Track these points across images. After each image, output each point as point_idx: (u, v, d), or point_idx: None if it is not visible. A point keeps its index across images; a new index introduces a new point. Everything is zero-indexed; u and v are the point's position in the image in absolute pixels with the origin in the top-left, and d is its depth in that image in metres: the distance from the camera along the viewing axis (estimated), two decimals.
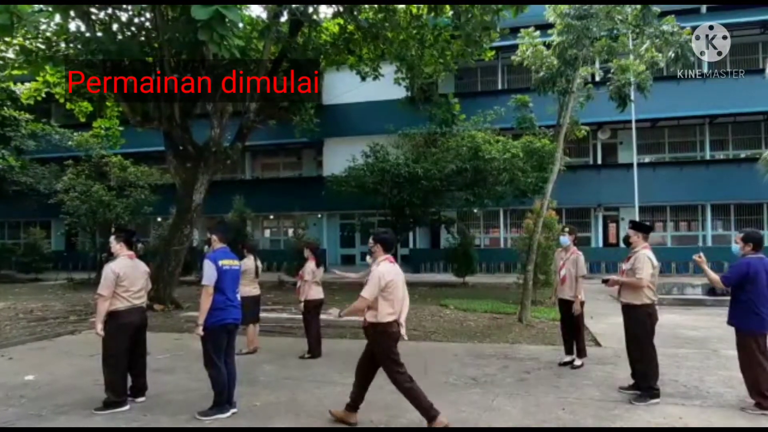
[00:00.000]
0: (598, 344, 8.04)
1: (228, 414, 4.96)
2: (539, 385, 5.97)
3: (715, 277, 5.20)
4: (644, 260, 5.47)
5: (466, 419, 4.87)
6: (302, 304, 7.50)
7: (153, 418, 4.96)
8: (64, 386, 5.99)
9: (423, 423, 4.76)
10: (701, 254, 5.43)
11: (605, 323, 9.65)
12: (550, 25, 10.57)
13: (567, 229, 7.13)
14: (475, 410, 5.10)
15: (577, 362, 6.71)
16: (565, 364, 6.81)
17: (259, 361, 7.12)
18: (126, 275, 5.20)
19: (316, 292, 7.48)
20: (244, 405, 5.29)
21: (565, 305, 6.85)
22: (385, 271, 4.54)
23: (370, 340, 4.68)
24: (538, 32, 11.43)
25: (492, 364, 6.95)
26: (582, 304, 6.74)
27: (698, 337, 8.59)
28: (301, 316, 7.74)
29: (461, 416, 4.94)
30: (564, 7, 9.93)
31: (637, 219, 17.68)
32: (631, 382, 5.68)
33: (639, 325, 5.53)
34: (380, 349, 4.59)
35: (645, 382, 5.41)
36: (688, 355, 7.32)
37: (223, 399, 4.96)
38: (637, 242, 5.68)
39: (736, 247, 5.31)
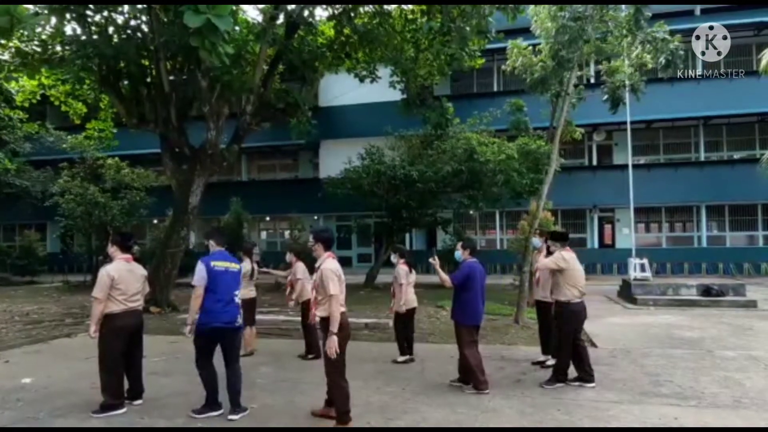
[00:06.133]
0: (593, 345, 8.07)
1: (218, 412, 5.04)
2: (535, 386, 5.99)
3: (445, 277, 5.92)
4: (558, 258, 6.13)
5: (462, 420, 4.89)
6: (299, 306, 7.54)
7: (150, 421, 4.96)
8: (60, 389, 5.98)
9: (421, 424, 4.79)
10: (435, 257, 6.12)
11: (601, 324, 9.72)
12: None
13: (538, 232, 7.31)
14: (472, 411, 5.12)
15: (550, 362, 6.68)
16: (537, 363, 6.90)
17: (256, 364, 7.12)
18: (121, 278, 5.19)
19: (308, 293, 7.50)
20: None
21: (540, 306, 7.01)
22: (335, 267, 4.69)
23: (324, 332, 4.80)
24: (525, 43, 11.50)
25: (488, 365, 6.91)
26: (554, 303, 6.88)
27: (693, 338, 8.64)
28: (296, 318, 7.75)
29: (458, 417, 4.96)
30: (554, 9, 10.00)
31: (632, 220, 17.81)
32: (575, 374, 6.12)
33: (557, 317, 6.12)
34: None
35: (558, 366, 6.02)
36: (683, 355, 7.37)
37: (211, 398, 5.07)
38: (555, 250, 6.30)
39: (458, 253, 6.13)
